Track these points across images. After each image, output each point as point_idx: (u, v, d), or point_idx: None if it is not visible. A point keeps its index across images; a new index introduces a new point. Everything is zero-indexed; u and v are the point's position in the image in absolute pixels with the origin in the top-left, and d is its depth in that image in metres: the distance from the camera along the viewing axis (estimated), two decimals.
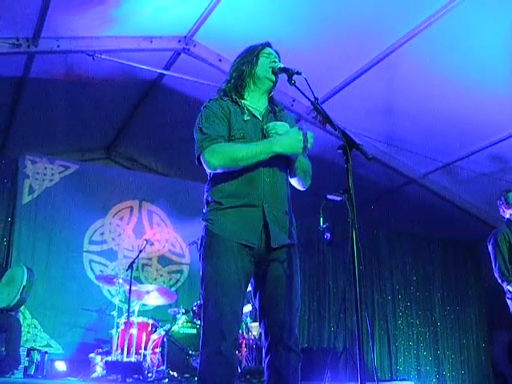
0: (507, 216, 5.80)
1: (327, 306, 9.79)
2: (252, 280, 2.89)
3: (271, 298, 2.82)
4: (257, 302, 2.89)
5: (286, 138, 2.80)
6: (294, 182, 3.04)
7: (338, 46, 6.35)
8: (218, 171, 2.83)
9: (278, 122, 2.91)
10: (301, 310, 2.93)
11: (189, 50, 6.78)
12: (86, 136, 8.94)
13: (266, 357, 2.80)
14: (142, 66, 6.75)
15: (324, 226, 4.01)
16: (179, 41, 6.73)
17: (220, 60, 6.92)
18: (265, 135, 2.92)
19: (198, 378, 2.71)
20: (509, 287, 5.46)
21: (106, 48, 6.43)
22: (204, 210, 2.96)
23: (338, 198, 2.53)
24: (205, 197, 2.97)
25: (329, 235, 6.94)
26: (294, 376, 2.75)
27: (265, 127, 2.90)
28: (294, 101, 6.89)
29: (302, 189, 3.07)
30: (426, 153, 8.11)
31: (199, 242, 2.92)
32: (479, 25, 5.86)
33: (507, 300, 5.63)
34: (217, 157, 2.78)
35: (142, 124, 8.50)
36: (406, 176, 8.78)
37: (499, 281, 5.57)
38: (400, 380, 8.73)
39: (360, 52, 6.50)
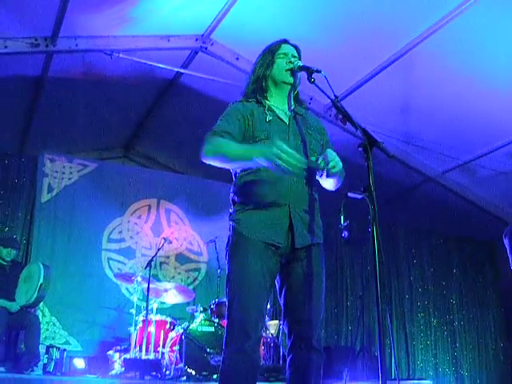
0: None
1: (344, 305, 9.79)
2: (278, 278, 2.89)
3: (296, 296, 2.82)
4: (282, 300, 2.89)
5: (265, 147, 2.60)
6: (325, 182, 2.96)
7: (354, 44, 6.33)
8: (207, 161, 2.78)
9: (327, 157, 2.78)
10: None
11: (206, 48, 6.78)
12: (104, 135, 8.99)
13: (288, 355, 2.81)
14: (159, 65, 6.77)
15: (345, 224, 3.97)
16: (196, 39, 6.73)
17: (237, 58, 6.92)
18: (288, 139, 2.92)
19: (220, 376, 2.71)
20: None
21: (123, 47, 6.45)
22: (230, 210, 2.95)
23: (359, 196, 2.51)
24: (230, 197, 2.97)
25: (346, 233, 6.91)
26: (316, 375, 2.75)
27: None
28: (311, 99, 6.86)
29: (331, 189, 3.01)
30: (443, 151, 8.07)
31: (226, 242, 2.93)
32: (496, 22, 5.82)
33: None
34: (211, 147, 2.76)
35: (159, 123, 8.53)
36: (424, 174, 8.74)
37: None
38: (418, 379, 8.70)
39: (377, 50, 6.48)
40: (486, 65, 6.41)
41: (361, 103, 6.98)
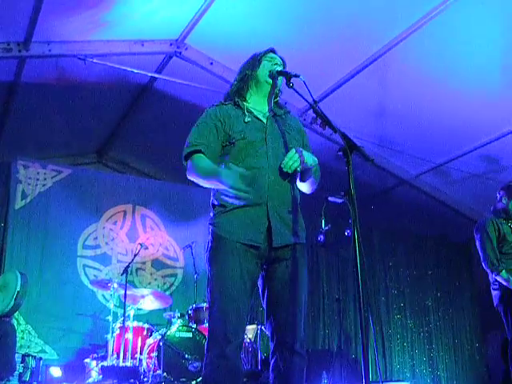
0: (499, 206, 5.54)
1: (321, 308, 9.80)
2: (260, 280, 2.89)
3: (277, 299, 2.83)
4: (264, 302, 2.89)
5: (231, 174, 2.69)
6: (301, 185, 3.04)
7: (329, 47, 6.35)
8: (190, 178, 2.93)
9: (289, 156, 2.84)
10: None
11: (180, 53, 6.76)
12: (78, 140, 8.91)
13: (271, 358, 2.81)
14: (133, 70, 6.73)
15: (326, 228, 3.97)
16: (171, 44, 6.71)
17: (211, 63, 6.92)
18: (266, 138, 2.95)
19: (203, 381, 2.71)
20: (498, 277, 5.25)
21: (97, 52, 6.41)
22: (211, 214, 2.96)
23: (340, 200, 2.52)
24: (211, 201, 2.99)
25: (322, 237, 6.95)
26: (299, 379, 2.75)
27: (282, 166, 2.85)
28: (286, 103, 6.86)
29: (307, 193, 3.09)
30: (417, 154, 8.14)
31: (206, 246, 2.93)
32: (470, 26, 5.89)
33: (492, 291, 5.42)
34: (191, 173, 2.90)
35: (133, 128, 8.47)
36: (398, 177, 8.81)
37: (488, 270, 5.36)
38: (396, 381, 8.75)
39: (352, 54, 6.52)
40: (459, 69, 6.48)
41: (336, 106, 6.99)
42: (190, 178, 2.92)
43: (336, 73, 6.84)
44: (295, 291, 2.81)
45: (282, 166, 2.83)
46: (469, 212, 9.54)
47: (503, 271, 5.28)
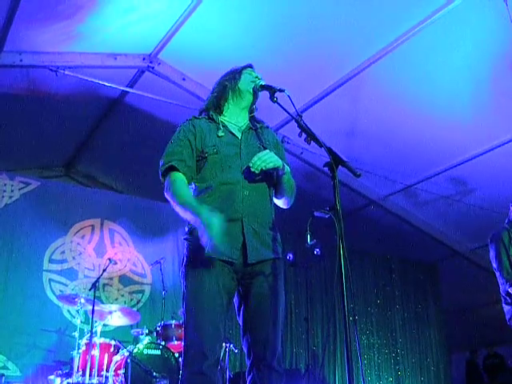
0: None
1: (289, 327, 9.75)
2: (236, 296, 2.84)
3: (254, 315, 2.78)
4: (240, 318, 2.84)
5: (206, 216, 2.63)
6: (278, 201, 3.03)
7: (302, 66, 6.38)
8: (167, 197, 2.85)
9: (258, 155, 2.81)
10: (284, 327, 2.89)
11: (153, 68, 6.74)
12: (46, 153, 8.79)
13: (248, 376, 2.75)
14: (105, 83, 6.67)
15: (312, 242, 3.93)
16: (144, 59, 6.68)
17: (184, 79, 6.91)
18: (241, 152, 2.92)
19: None
20: (510, 290, 5.06)
21: (69, 64, 6.34)
22: (186, 228, 2.91)
23: (326, 215, 2.51)
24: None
25: (291, 256, 6.93)
26: None
27: (250, 165, 2.80)
28: None
29: (285, 207, 3.06)
30: (387, 175, 8.20)
31: (181, 260, 2.88)
32: (440, 51, 5.99)
33: (504, 306, 5.20)
34: (168, 193, 2.83)
35: (102, 142, 8.39)
36: (367, 197, 8.85)
37: (501, 281, 5.16)
38: None
39: (324, 74, 6.56)
40: (430, 92, 6.57)
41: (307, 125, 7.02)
42: (166, 197, 2.85)
43: (308, 92, 6.86)
44: (272, 306, 2.76)
45: (250, 164, 2.79)
46: (436, 233, 9.65)
47: None
